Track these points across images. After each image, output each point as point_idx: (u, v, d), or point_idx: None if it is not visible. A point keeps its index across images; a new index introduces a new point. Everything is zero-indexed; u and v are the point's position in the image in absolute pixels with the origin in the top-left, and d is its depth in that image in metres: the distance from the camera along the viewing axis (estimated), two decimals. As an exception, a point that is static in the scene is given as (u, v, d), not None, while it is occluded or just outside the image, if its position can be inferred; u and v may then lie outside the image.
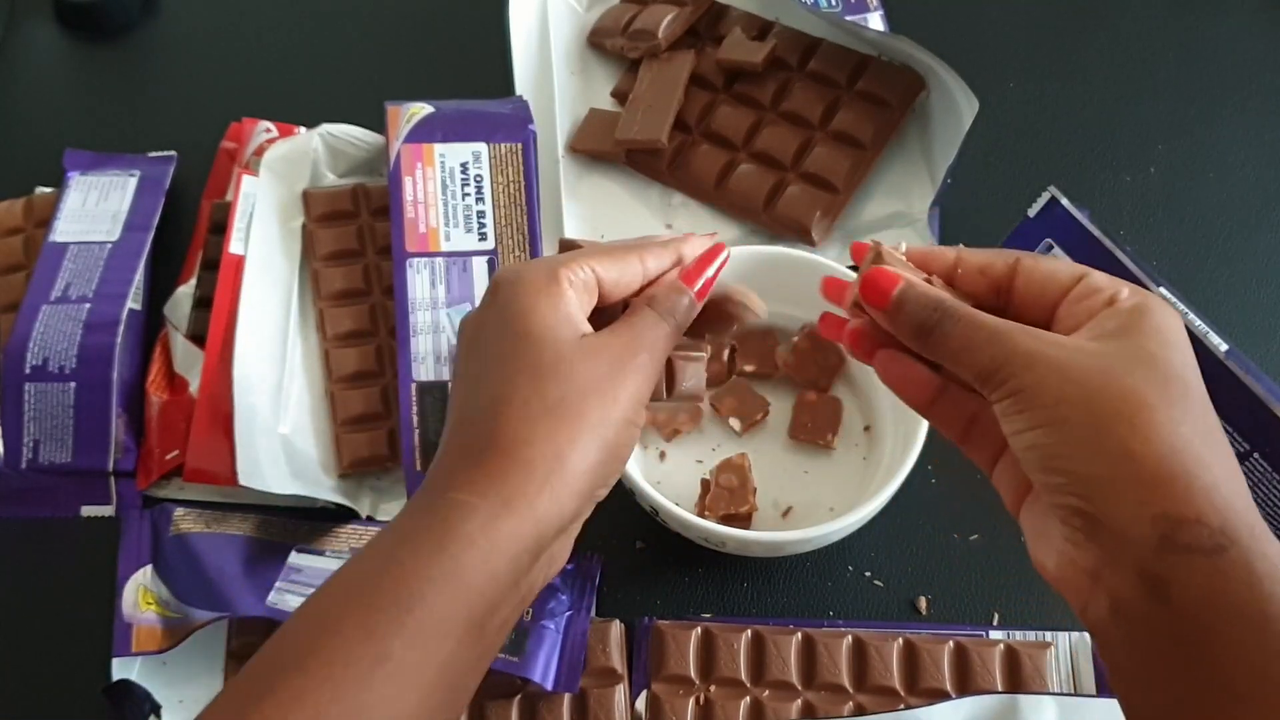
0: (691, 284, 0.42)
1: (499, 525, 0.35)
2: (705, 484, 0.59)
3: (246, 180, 0.65)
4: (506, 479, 0.36)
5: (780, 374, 0.62)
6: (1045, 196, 0.61)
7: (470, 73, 0.75)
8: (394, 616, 0.34)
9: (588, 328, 0.39)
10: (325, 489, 0.60)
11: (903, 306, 0.38)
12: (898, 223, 0.68)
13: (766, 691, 0.55)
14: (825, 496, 0.59)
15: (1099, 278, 0.38)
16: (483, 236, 0.63)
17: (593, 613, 0.56)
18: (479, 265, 0.63)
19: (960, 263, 0.40)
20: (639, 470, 0.57)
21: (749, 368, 0.62)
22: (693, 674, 0.55)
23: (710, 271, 0.42)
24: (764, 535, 0.54)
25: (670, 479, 0.60)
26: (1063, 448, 0.34)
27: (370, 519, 0.61)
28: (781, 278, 0.59)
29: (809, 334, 0.62)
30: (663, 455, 0.61)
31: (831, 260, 0.67)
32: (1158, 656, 0.32)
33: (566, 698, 0.54)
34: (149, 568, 0.58)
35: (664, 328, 0.40)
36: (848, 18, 0.73)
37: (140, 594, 0.57)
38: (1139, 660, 0.33)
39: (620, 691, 0.54)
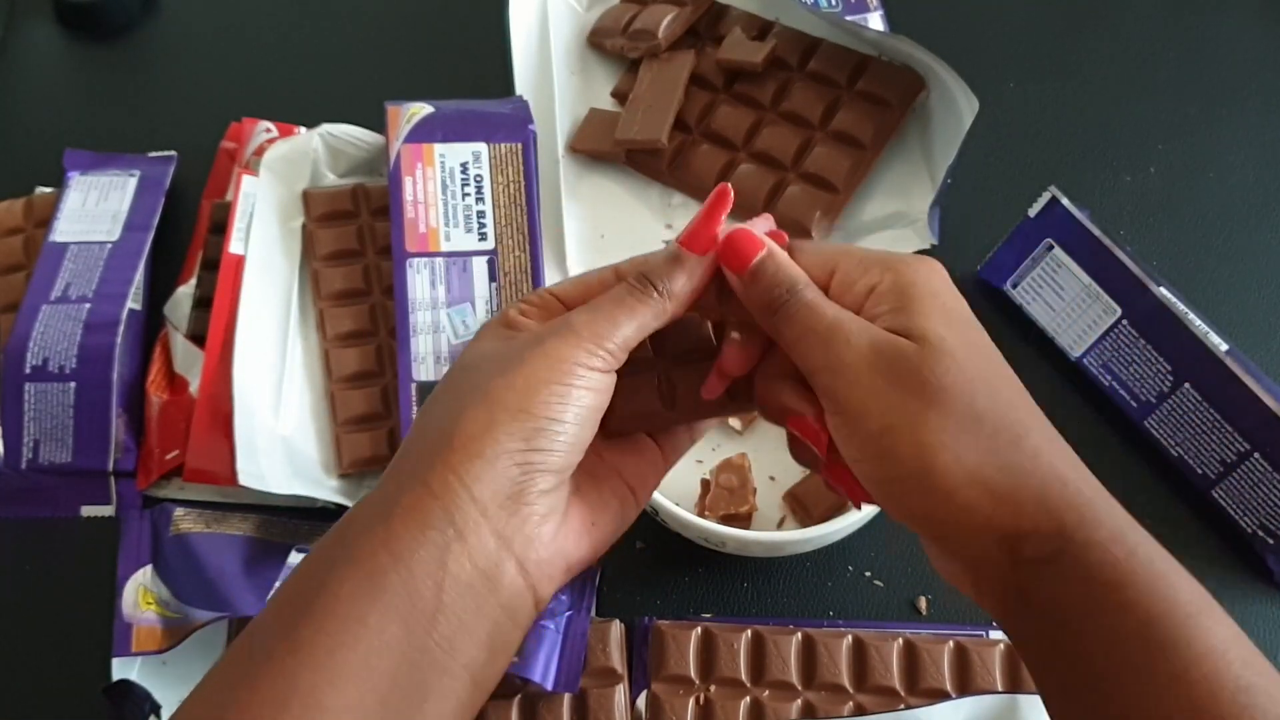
0: (685, 242, 0.38)
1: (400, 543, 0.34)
2: (705, 484, 0.59)
3: (246, 180, 0.65)
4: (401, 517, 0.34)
5: None
6: (1046, 196, 0.61)
7: (470, 73, 0.75)
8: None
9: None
10: (325, 489, 0.60)
11: (758, 277, 0.37)
12: (898, 223, 0.68)
13: (766, 691, 0.55)
14: (825, 496, 0.59)
15: (850, 271, 0.37)
16: (483, 236, 0.63)
17: (593, 613, 0.56)
18: (479, 265, 0.63)
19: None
20: None
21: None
22: (693, 674, 0.55)
23: (709, 223, 0.39)
24: (764, 535, 0.54)
25: (670, 479, 0.60)
26: (892, 487, 0.35)
27: (370, 519, 0.61)
28: None
29: None
30: None
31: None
32: (1036, 651, 0.35)
33: (566, 698, 0.54)
34: (149, 568, 0.58)
35: (630, 298, 0.37)
36: (848, 18, 0.73)
37: (140, 594, 0.58)
38: (1027, 653, 0.36)
39: (620, 691, 0.54)
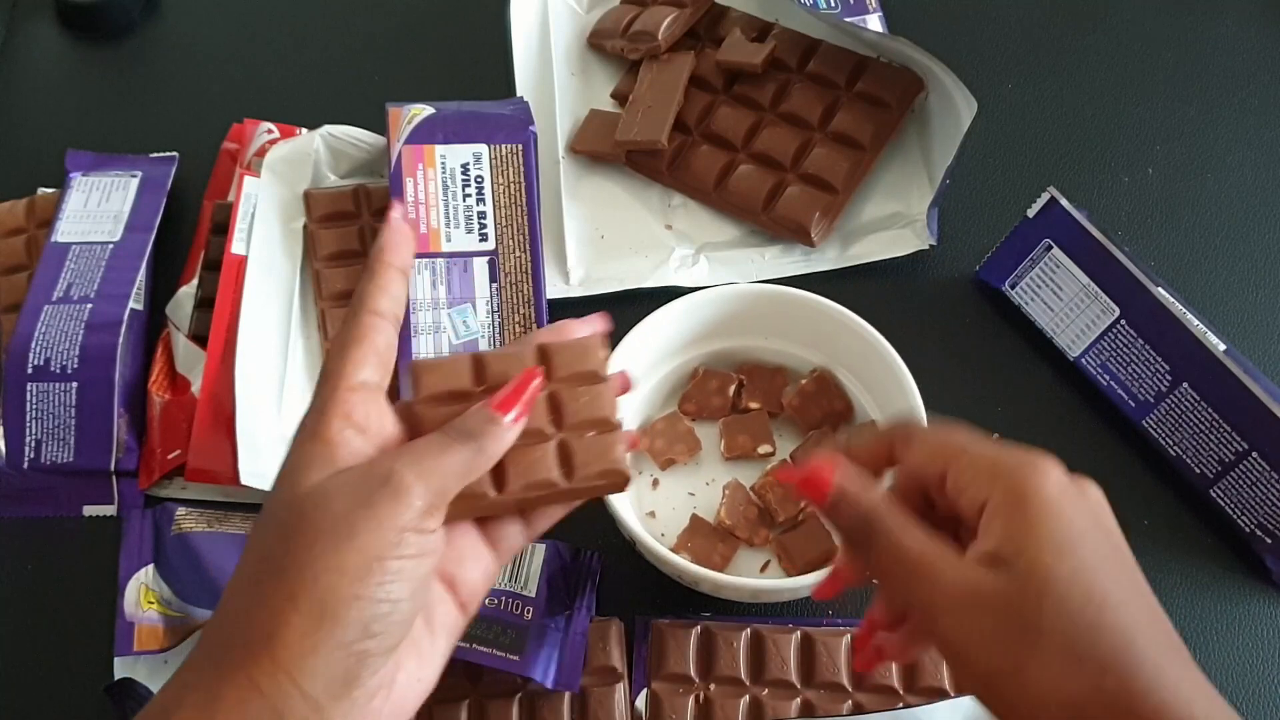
0: (498, 406, 0.38)
1: None
2: (695, 519, 0.58)
3: (248, 181, 0.65)
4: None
5: (786, 414, 0.61)
6: (1045, 197, 0.62)
7: (471, 74, 0.75)
8: None
9: (358, 453, 0.36)
10: (326, 488, 0.60)
11: (838, 508, 0.38)
12: (897, 223, 0.68)
13: (766, 690, 0.55)
14: (813, 547, 0.57)
15: (961, 476, 0.36)
16: (483, 237, 0.63)
17: (593, 612, 0.56)
18: (480, 266, 0.63)
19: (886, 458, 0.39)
20: (629, 496, 0.56)
21: (754, 405, 0.61)
22: (692, 673, 0.55)
23: (525, 396, 0.39)
24: (740, 580, 0.53)
25: (662, 508, 0.60)
26: (995, 713, 0.35)
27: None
28: (793, 318, 0.59)
29: (816, 378, 0.60)
30: (656, 483, 0.60)
31: (830, 264, 0.67)
32: None
33: (566, 696, 0.54)
34: (151, 567, 0.59)
35: (454, 452, 0.36)
36: (847, 19, 0.74)
37: (142, 593, 0.58)
38: None
39: (620, 690, 0.55)
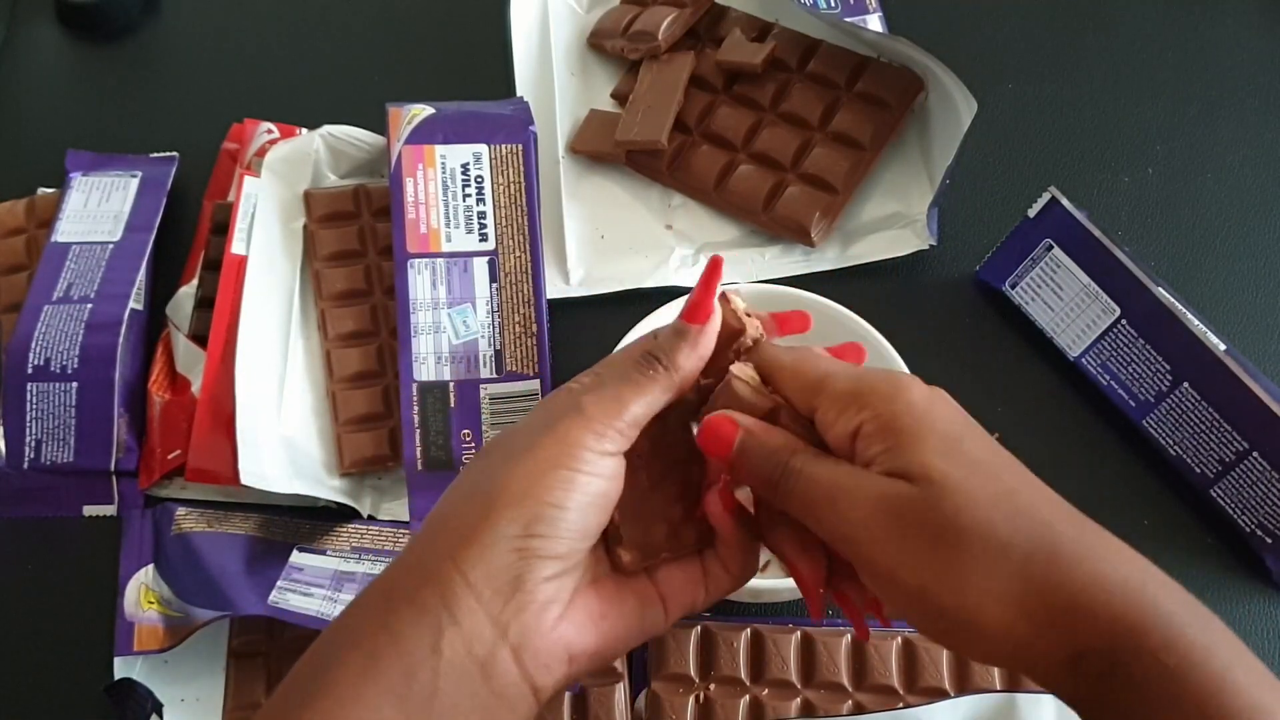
0: (685, 315, 0.38)
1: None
2: None
3: (248, 181, 0.65)
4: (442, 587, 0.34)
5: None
6: (1045, 197, 0.62)
7: (471, 74, 0.75)
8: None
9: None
10: (327, 488, 0.60)
11: (745, 457, 0.37)
12: (897, 223, 0.68)
13: (766, 690, 0.55)
14: None
15: (829, 406, 0.36)
16: (483, 237, 0.63)
17: (593, 612, 0.56)
18: (480, 266, 0.63)
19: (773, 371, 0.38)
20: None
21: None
22: (692, 672, 0.55)
23: (706, 294, 0.38)
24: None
25: None
26: (948, 639, 0.34)
27: (371, 518, 0.61)
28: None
29: None
30: None
31: (830, 264, 0.67)
32: None
33: (567, 696, 0.54)
34: (151, 567, 0.59)
35: (636, 374, 0.37)
36: (847, 19, 0.74)
37: (142, 593, 0.58)
38: None
39: (620, 690, 0.55)
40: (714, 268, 0.38)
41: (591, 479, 0.35)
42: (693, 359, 0.38)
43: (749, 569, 0.40)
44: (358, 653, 0.34)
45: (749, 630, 0.56)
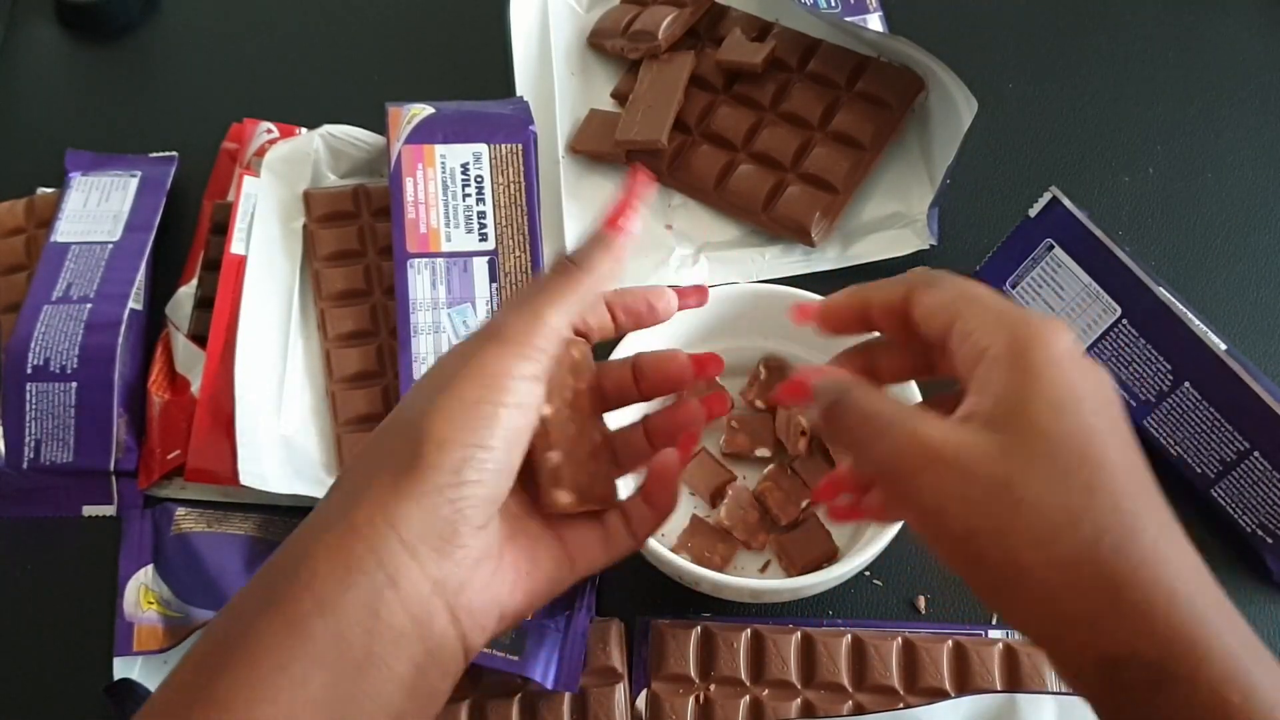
0: (602, 221, 0.38)
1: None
2: (695, 520, 0.58)
3: (248, 181, 0.65)
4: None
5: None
6: (1046, 197, 0.61)
7: (470, 73, 0.75)
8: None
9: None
10: (326, 489, 0.60)
11: (817, 389, 0.37)
12: (897, 223, 0.68)
13: (766, 690, 0.55)
14: (813, 549, 0.57)
15: (969, 322, 0.34)
16: (483, 237, 0.63)
17: (593, 612, 0.56)
18: (479, 266, 0.63)
19: (867, 305, 0.38)
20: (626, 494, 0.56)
21: (760, 404, 0.61)
22: (692, 673, 0.55)
23: (626, 199, 0.38)
24: (740, 581, 0.53)
25: None
26: (985, 592, 0.33)
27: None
28: (776, 313, 0.58)
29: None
30: None
31: (830, 264, 0.67)
32: None
33: (566, 697, 0.54)
34: (150, 567, 0.58)
35: (550, 279, 0.36)
36: (847, 19, 0.74)
37: (141, 593, 0.58)
38: None
39: (620, 690, 0.54)
40: (634, 176, 0.38)
41: (514, 411, 0.34)
42: (607, 261, 0.37)
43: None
44: (279, 618, 0.32)
45: (749, 630, 0.56)
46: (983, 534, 0.31)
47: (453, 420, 0.33)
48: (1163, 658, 0.30)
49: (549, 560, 0.38)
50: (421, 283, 0.62)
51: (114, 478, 0.62)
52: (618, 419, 0.43)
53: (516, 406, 0.34)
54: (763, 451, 0.59)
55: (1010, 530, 0.31)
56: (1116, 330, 0.60)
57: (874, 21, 0.75)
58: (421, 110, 0.65)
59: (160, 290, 0.66)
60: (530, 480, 0.38)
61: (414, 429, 0.34)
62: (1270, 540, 0.58)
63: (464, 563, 0.33)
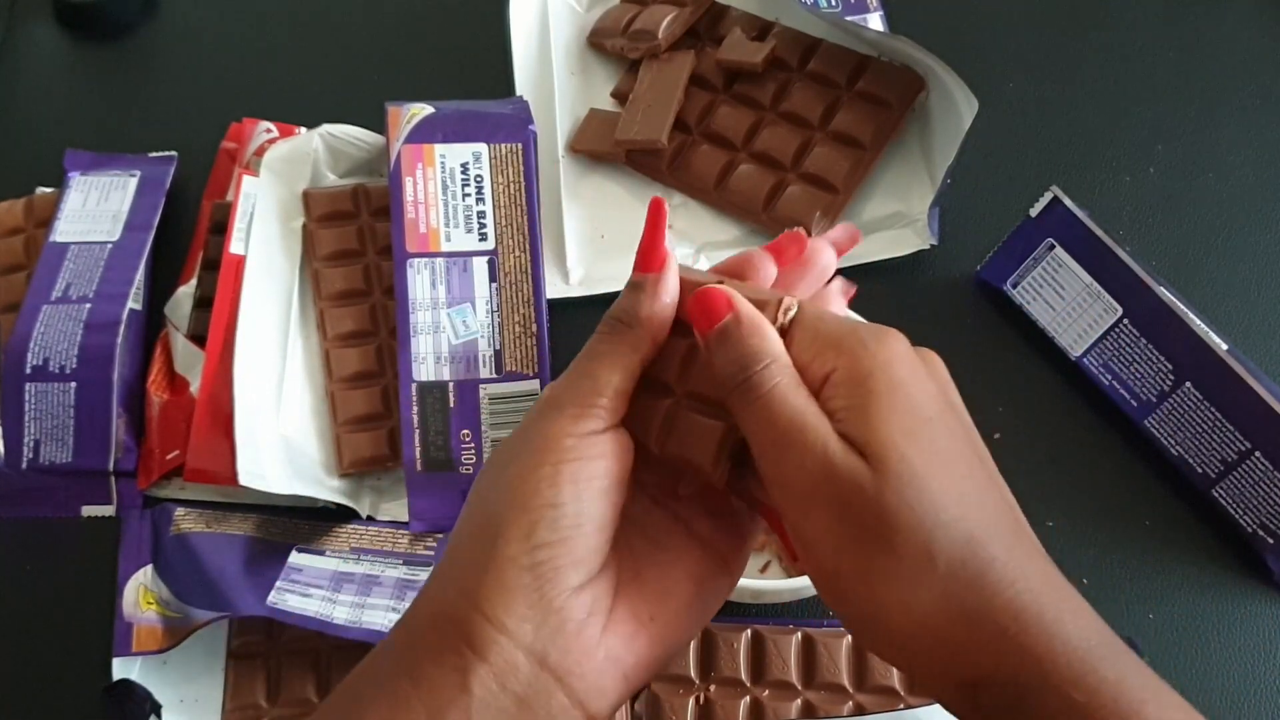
0: (636, 265, 0.35)
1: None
2: None
3: (247, 180, 0.65)
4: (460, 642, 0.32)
5: None
6: (1048, 196, 0.61)
7: (470, 73, 0.75)
8: None
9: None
10: (326, 489, 0.60)
11: (726, 338, 0.33)
12: (897, 223, 0.68)
13: (766, 691, 0.55)
14: None
15: (809, 341, 0.33)
16: (483, 237, 0.63)
17: (593, 612, 0.56)
18: (479, 265, 0.63)
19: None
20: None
21: None
22: (692, 673, 0.55)
23: (653, 238, 0.35)
24: (740, 581, 0.52)
25: None
26: (849, 624, 0.33)
27: (370, 519, 0.61)
28: None
29: None
30: None
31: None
32: None
33: (567, 697, 0.54)
34: (149, 567, 0.58)
35: (599, 344, 0.35)
36: (847, 18, 0.73)
37: (141, 593, 0.58)
38: None
39: (620, 691, 0.54)
40: (656, 209, 0.35)
41: (580, 464, 0.33)
42: (654, 307, 0.35)
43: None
44: (383, 699, 0.32)
45: (749, 631, 0.56)
46: (848, 576, 0.31)
47: (518, 488, 0.32)
48: (1016, 674, 0.30)
49: (686, 584, 0.35)
50: (421, 282, 0.62)
51: (113, 478, 0.61)
52: None
53: (580, 460, 0.33)
54: None
55: (872, 574, 0.31)
56: (1118, 330, 0.60)
57: (874, 21, 0.75)
58: (421, 110, 0.65)
59: (159, 290, 0.66)
60: (667, 495, 0.36)
61: (488, 505, 0.33)
62: (1271, 541, 0.58)
63: (564, 627, 0.32)
